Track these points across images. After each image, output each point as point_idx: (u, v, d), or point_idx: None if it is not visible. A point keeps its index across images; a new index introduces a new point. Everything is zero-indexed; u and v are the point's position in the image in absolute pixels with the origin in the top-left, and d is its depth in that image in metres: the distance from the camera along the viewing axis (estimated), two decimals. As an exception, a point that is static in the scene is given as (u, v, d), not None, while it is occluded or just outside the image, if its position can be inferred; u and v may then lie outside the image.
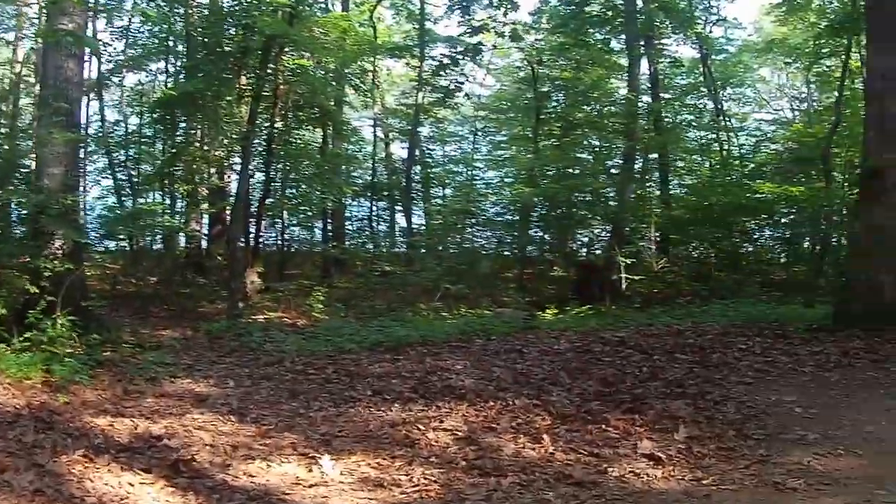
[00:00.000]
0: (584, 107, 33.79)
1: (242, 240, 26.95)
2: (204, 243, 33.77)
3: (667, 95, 34.67)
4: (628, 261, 26.88)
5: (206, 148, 29.52)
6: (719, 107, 36.44)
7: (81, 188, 29.87)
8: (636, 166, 32.08)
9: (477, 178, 43.56)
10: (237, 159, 28.47)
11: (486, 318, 21.20)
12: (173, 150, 30.61)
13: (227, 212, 28.73)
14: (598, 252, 30.13)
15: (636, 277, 26.87)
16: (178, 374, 14.14)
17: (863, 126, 17.97)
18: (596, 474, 8.56)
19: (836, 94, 29.32)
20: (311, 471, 8.75)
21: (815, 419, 10.28)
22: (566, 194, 30.14)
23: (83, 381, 12.51)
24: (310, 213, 35.49)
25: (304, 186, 32.86)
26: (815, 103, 39.44)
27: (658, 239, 31.38)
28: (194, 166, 29.49)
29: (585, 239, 36.34)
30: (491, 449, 9.34)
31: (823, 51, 30.66)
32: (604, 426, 10.21)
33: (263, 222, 30.59)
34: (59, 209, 16.49)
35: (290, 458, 9.11)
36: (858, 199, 17.86)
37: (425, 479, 8.47)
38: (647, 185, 34.21)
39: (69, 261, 16.14)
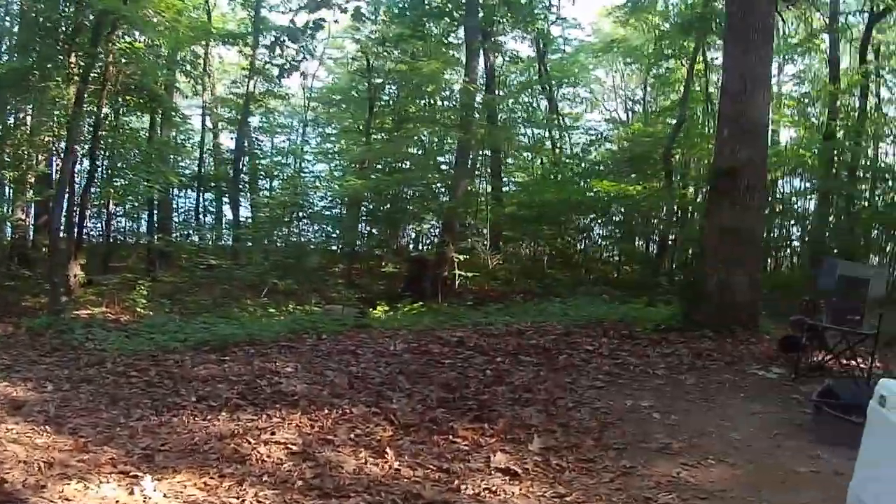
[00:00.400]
0: (419, 100, 32.97)
1: (65, 230, 25.65)
2: (32, 233, 32.07)
3: (502, 93, 34.09)
4: (461, 257, 26.08)
5: (31, 132, 28.24)
6: (553, 105, 36.07)
7: None
8: (469, 162, 30.99)
9: (306, 170, 42.89)
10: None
11: (315, 316, 20.32)
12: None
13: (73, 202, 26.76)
14: (429, 248, 29.28)
15: (469, 274, 26.06)
16: None
17: (717, 125, 17.87)
18: (448, 492, 7.63)
19: (679, 94, 29.57)
20: (131, 493, 7.46)
21: (677, 426, 9.90)
22: (396, 188, 29.35)
23: None
24: (136, 204, 34.10)
25: (130, 175, 31.13)
26: (650, 104, 39.21)
27: (492, 235, 30.46)
28: (20, 150, 28.32)
29: (415, 234, 35.78)
30: (330, 465, 8.26)
31: (666, 52, 30.49)
32: (451, 437, 9.29)
33: (88, 212, 28.98)
34: None
35: (109, 478, 7.82)
36: (709, 200, 17.49)
37: (259, 502, 7.36)
38: (480, 180, 33.68)
39: None
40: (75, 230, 26.52)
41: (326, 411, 10.20)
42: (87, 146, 27.26)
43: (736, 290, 15.90)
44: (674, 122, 29.53)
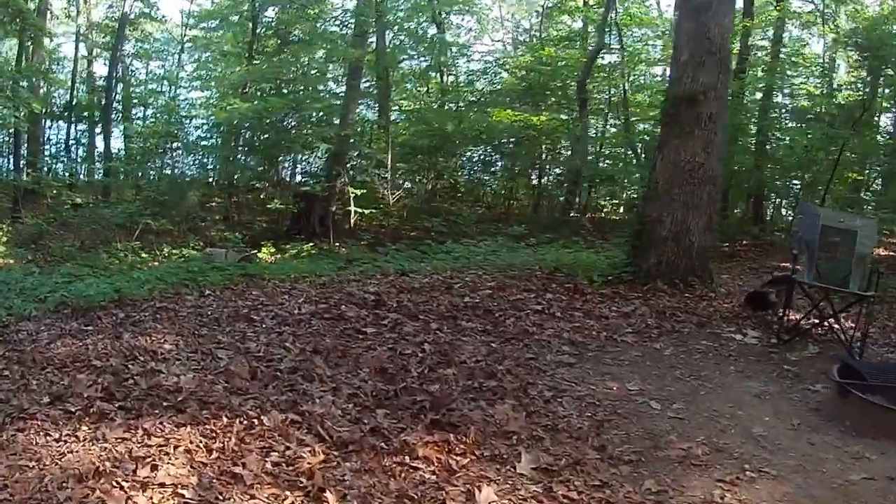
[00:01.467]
0: (304, 22, 29.79)
1: None
2: None
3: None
4: (357, 192, 22.97)
5: None
6: (441, 31, 33.21)
7: None
8: (359, 85, 28.03)
9: (181, 98, 38.84)
10: None
11: (194, 262, 16.81)
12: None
13: None
14: (316, 182, 25.87)
15: (366, 211, 22.99)
16: None
17: (674, 46, 15.06)
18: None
19: (597, 18, 27.19)
20: None
21: (685, 419, 7.92)
22: (281, 113, 26.04)
23: None
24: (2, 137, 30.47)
25: None
26: (539, 35, 36.57)
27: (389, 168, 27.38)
28: None
29: (300, 167, 32.70)
30: (246, 530, 5.18)
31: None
32: (409, 458, 6.33)
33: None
34: None
35: None
36: (663, 132, 14.59)
37: None
38: (367, 108, 30.84)
39: None
40: None
41: (226, 420, 6.94)
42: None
43: (694, 236, 13.64)
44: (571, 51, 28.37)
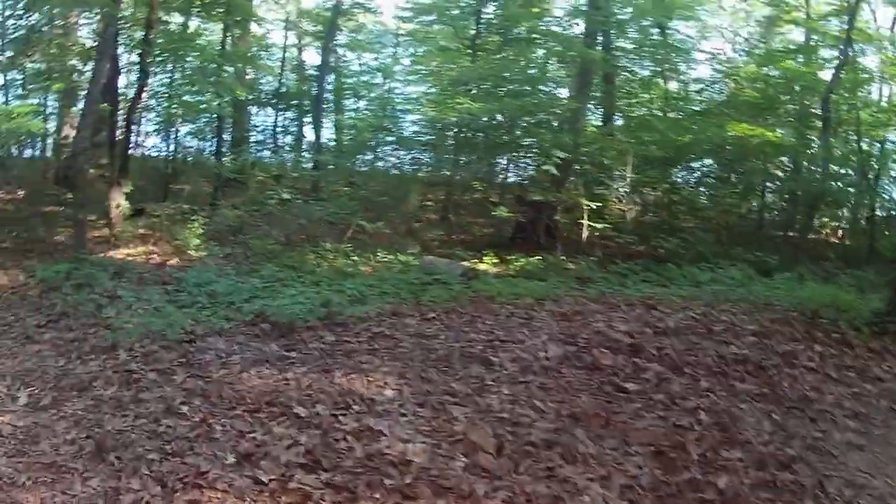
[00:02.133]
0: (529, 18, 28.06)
1: (108, 152, 21.00)
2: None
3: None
4: (594, 204, 21.05)
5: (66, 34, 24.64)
6: (665, 36, 31.15)
7: None
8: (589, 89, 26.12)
9: (396, 91, 36.46)
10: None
11: (412, 273, 15.24)
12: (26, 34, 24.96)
13: (119, 115, 22.11)
14: (546, 191, 23.81)
15: (599, 225, 21.04)
16: None
17: None
18: None
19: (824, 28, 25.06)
20: None
21: None
22: (517, 113, 24.25)
23: None
24: (207, 121, 29.41)
25: (194, 88, 25.82)
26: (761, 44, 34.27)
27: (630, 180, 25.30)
28: (66, 58, 24.46)
29: (514, 170, 30.93)
30: None
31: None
32: None
33: (136, 128, 24.45)
34: None
35: None
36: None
37: None
38: (592, 114, 28.89)
39: None
40: (119, 150, 21.35)
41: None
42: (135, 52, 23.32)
43: None
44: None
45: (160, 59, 23.41)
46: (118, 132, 21.23)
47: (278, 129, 35.85)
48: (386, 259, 17.28)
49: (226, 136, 27.86)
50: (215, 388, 7.98)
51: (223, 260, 16.81)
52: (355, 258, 17.32)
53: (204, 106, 25.22)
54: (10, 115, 20.61)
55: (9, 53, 25.50)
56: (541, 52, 27.53)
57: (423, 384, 8.20)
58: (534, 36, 26.88)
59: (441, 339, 10.03)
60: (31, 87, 27.70)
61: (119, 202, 19.36)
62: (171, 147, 29.28)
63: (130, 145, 22.38)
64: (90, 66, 21.61)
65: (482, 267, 17.06)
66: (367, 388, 8.05)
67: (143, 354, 9.48)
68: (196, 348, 9.59)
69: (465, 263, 16.96)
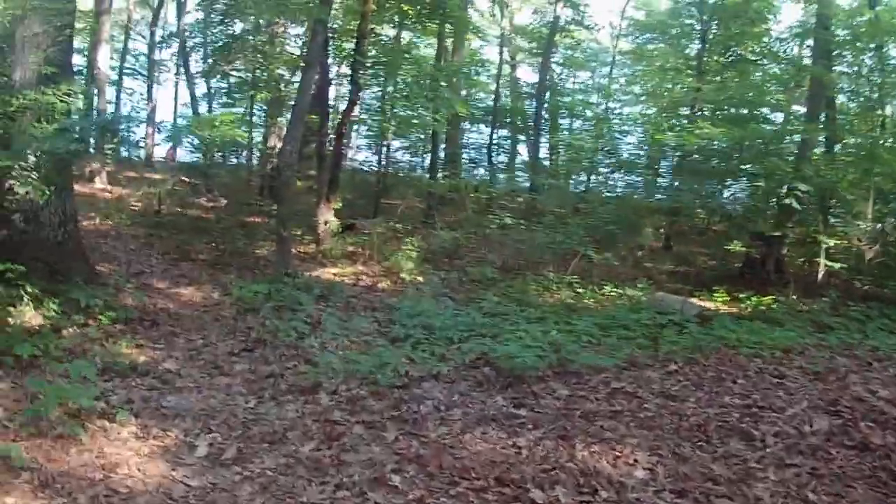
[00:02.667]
0: (761, 38, 26.17)
1: (317, 166, 20.16)
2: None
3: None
4: (832, 242, 18.99)
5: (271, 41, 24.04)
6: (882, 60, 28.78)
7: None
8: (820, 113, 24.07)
9: (615, 111, 35.36)
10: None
11: (642, 312, 13.36)
12: (228, 41, 24.71)
13: (329, 128, 21.36)
14: (780, 224, 21.68)
15: (836, 265, 18.95)
16: (122, 406, 8.03)
17: None
18: None
19: None
20: None
21: None
22: (750, 137, 22.32)
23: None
24: (421, 136, 28.59)
25: (409, 101, 24.73)
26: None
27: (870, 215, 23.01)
28: (270, 67, 24.02)
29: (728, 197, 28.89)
30: None
31: None
32: None
33: (346, 142, 23.36)
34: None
35: None
36: None
37: None
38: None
39: (46, 181, 11.00)
40: (328, 165, 20.45)
41: None
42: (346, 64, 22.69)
43: None
44: None
45: (372, 70, 22.32)
46: (328, 145, 20.27)
47: (492, 146, 34.55)
48: (613, 293, 15.69)
49: (438, 153, 26.80)
50: (433, 454, 6.62)
51: (437, 285, 15.46)
52: (579, 290, 15.80)
53: (417, 121, 24.19)
54: (213, 123, 19.94)
55: (211, 61, 25.90)
56: (760, 73, 25.66)
57: (678, 464, 6.62)
58: (752, 57, 25.18)
59: (692, 403, 8.34)
60: (236, 95, 27.66)
61: (327, 218, 18.45)
62: (382, 161, 28.16)
63: (340, 160, 21.22)
64: (299, 76, 20.82)
65: (711, 304, 15.33)
66: (615, 465, 6.55)
67: (349, 400, 8.28)
68: (410, 396, 8.31)
69: (698, 302, 15.23)
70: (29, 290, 10.33)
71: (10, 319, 9.77)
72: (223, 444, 7.12)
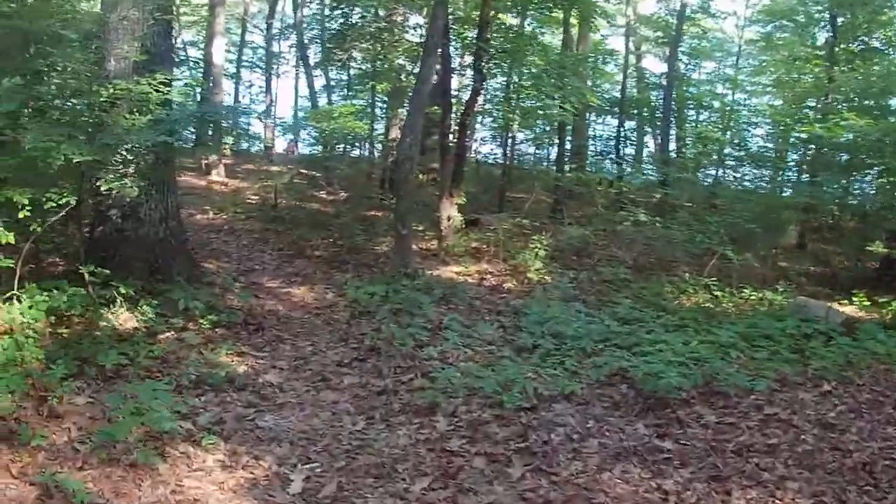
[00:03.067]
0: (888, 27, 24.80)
1: (440, 158, 18.88)
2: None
3: None
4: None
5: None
6: None
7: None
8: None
9: (742, 102, 33.64)
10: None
11: (786, 321, 11.72)
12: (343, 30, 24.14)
13: (452, 119, 20.08)
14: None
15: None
16: (211, 426, 7.28)
17: None
18: None
19: None
20: None
21: None
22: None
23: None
24: (546, 128, 27.15)
25: (536, 91, 22.88)
26: None
27: None
28: (392, 58, 23.04)
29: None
30: None
31: None
32: None
33: (470, 133, 22.25)
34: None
35: None
36: None
37: None
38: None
39: (141, 175, 10.29)
40: (451, 158, 19.02)
41: None
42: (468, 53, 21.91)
43: None
44: None
45: (495, 60, 21.24)
46: (450, 136, 19.21)
47: (620, 138, 33.55)
48: (752, 297, 14.42)
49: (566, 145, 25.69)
50: (567, 499, 5.58)
51: (567, 286, 14.32)
52: (717, 292, 14.51)
53: (544, 112, 22.93)
54: (331, 114, 19.20)
55: (327, 49, 25.51)
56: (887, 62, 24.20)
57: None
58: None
59: (853, 435, 7.14)
60: (357, 87, 27.36)
61: (450, 213, 17.34)
62: (506, 154, 27.27)
63: (464, 152, 20.16)
64: (419, 67, 19.92)
65: (849, 309, 13.74)
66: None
67: (469, 425, 7.28)
68: (539, 421, 7.28)
69: (841, 308, 13.81)
70: (122, 290, 9.54)
71: (101, 323, 9.00)
72: (322, 477, 6.21)
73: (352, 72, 27.15)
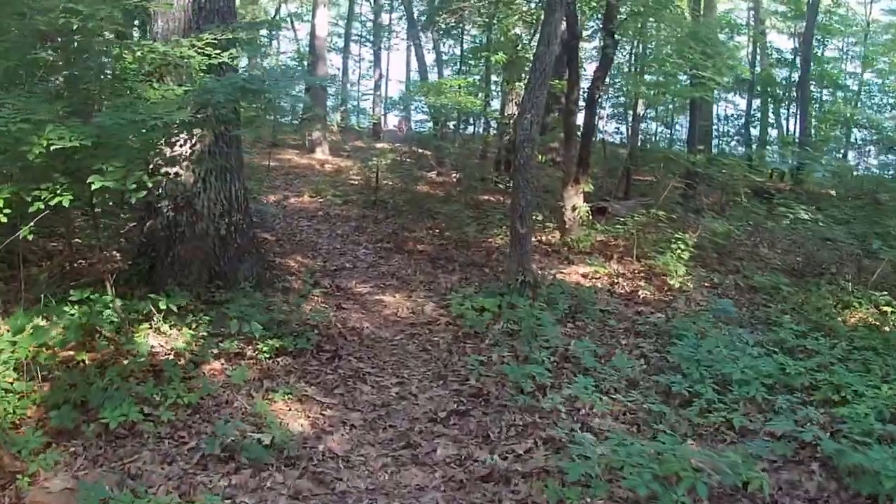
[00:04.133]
0: None
1: (565, 141, 16.06)
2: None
3: None
4: None
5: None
6: None
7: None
8: None
9: (871, 83, 32.59)
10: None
11: None
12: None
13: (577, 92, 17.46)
14: None
15: None
16: None
17: None
18: None
19: None
20: None
21: None
22: None
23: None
24: (671, 106, 25.78)
25: (668, 65, 19.72)
26: None
27: None
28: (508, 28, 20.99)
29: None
30: None
31: None
32: None
33: (601, 111, 19.92)
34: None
35: None
36: None
37: None
38: None
39: (213, 159, 8.94)
40: (576, 141, 16.45)
41: None
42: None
43: None
44: None
45: (626, 23, 18.61)
46: (576, 115, 16.41)
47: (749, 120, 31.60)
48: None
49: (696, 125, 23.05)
50: None
51: (723, 303, 11.47)
52: (886, 308, 11.61)
53: (676, 86, 20.25)
54: (441, 88, 17.59)
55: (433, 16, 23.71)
56: None
57: None
58: None
59: None
60: (469, 60, 25.85)
61: (576, 203, 14.76)
62: (631, 133, 24.78)
63: (591, 131, 17.48)
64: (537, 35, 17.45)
65: None
66: None
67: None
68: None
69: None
70: (162, 306, 7.37)
71: (136, 341, 6.80)
72: None
73: (465, 46, 25.40)
